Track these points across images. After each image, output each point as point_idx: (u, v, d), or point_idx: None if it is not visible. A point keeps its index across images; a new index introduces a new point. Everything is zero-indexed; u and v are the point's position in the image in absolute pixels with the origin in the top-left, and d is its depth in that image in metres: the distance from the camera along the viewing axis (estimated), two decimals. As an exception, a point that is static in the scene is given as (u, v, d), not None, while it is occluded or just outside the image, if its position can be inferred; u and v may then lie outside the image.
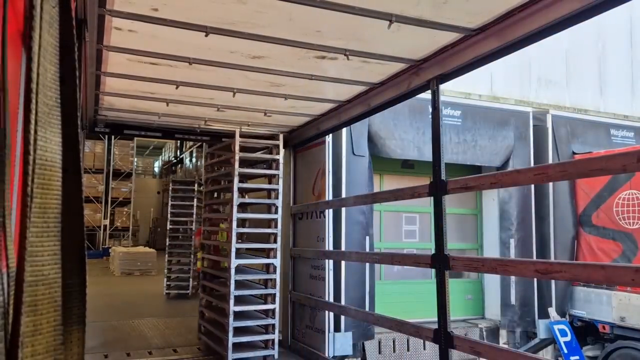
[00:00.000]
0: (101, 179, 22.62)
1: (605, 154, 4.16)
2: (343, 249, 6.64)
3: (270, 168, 6.34)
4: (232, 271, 5.73)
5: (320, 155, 6.76)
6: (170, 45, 3.91)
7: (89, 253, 19.73)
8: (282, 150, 6.26)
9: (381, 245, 8.05)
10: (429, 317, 6.07)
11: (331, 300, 6.33)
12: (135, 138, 21.44)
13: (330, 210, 6.55)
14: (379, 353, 7.13)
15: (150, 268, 15.87)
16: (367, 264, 6.98)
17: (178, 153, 28.53)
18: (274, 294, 6.02)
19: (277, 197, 6.19)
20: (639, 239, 7.66)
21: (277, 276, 6.05)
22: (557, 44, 8.90)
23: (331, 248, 6.47)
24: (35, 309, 0.99)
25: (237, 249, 5.91)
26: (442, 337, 3.84)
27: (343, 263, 6.62)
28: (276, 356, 5.89)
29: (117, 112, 6.10)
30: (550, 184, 8.21)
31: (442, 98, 4.19)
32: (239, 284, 5.97)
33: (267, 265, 6.10)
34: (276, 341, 5.92)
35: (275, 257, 6.08)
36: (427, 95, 4.30)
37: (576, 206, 8.53)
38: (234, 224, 5.84)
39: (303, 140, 6.97)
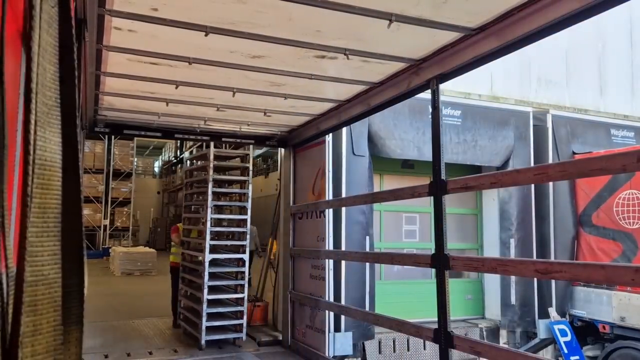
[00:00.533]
0: (101, 179, 22.62)
1: (605, 154, 4.16)
2: (343, 248, 6.64)
3: (242, 175, 7.26)
4: (207, 264, 6.53)
5: (320, 155, 6.76)
6: (170, 45, 3.91)
7: (89, 253, 19.73)
8: (251, 159, 7.34)
9: (381, 245, 8.05)
10: (429, 317, 6.07)
11: (331, 300, 6.33)
12: (135, 138, 21.43)
13: (330, 210, 6.55)
14: (379, 353, 7.13)
15: (150, 268, 15.87)
16: (367, 264, 6.98)
17: (178, 153, 28.55)
18: (243, 284, 6.87)
19: (247, 200, 7.05)
20: (639, 239, 7.66)
21: (246, 269, 6.96)
22: (557, 43, 8.89)
23: (331, 248, 6.47)
24: (35, 309, 0.99)
25: (213, 246, 6.74)
26: (442, 336, 3.84)
27: (343, 263, 6.62)
28: (244, 338, 6.88)
29: (117, 112, 6.10)
30: (550, 184, 8.20)
31: (442, 98, 4.19)
32: (213, 276, 6.80)
33: (238, 260, 6.96)
34: (244, 325, 6.81)
35: (244, 252, 6.91)
36: (427, 95, 4.30)
37: (576, 206, 8.53)
38: (208, 223, 6.62)
39: (303, 140, 6.97)
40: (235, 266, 7.02)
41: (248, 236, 6.96)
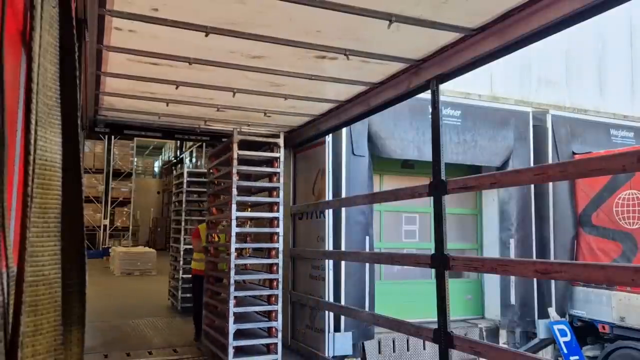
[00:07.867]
0: (101, 179, 22.62)
1: (605, 154, 4.16)
2: (343, 249, 6.63)
3: (271, 166, 6.03)
4: (232, 272, 5.43)
5: (320, 156, 6.76)
6: (170, 45, 3.91)
7: (89, 253, 19.72)
8: (282, 149, 5.94)
9: (381, 245, 8.05)
10: (429, 317, 6.07)
11: (331, 300, 6.33)
12: (135, 138, 21.43)
13: (330, 210, 6.54)
14: (379, 353, 7.13)
15: (150, 268, 15.86)
16: (367, 264, 6.98)
17: (178, 153, 28.55)
18: (277, 295, 5.70)
19: (278, 195, 5.86)
20: (639, 239, 7.66)
21: (280, 276, 5.80)
22: (557, 44, 8.89)
23: (331, 248, 6.47)
24: (35, 309, 0.99)
25: (239, 250, 5.71)
26: (442, 337, 3.84)
27: (343, 263, 6.61)
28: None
29: (117, 112, 6.10)
30: (550, 184, 8.21)
31: (442, 98, 4.18)
32: (240, 286, 5.84)
33: (270, 265, 5.85)
34: (279, 345, 5.59)
35: (277, 256, 5.80)
36: (427, 95, 4.30)
37: (576, 206, 8.53)
38: (234, 223, 5.52)
39: (303, 140, 6.97)
40: (266, 273, 6.04)
41: (281, 238, 5.85)
